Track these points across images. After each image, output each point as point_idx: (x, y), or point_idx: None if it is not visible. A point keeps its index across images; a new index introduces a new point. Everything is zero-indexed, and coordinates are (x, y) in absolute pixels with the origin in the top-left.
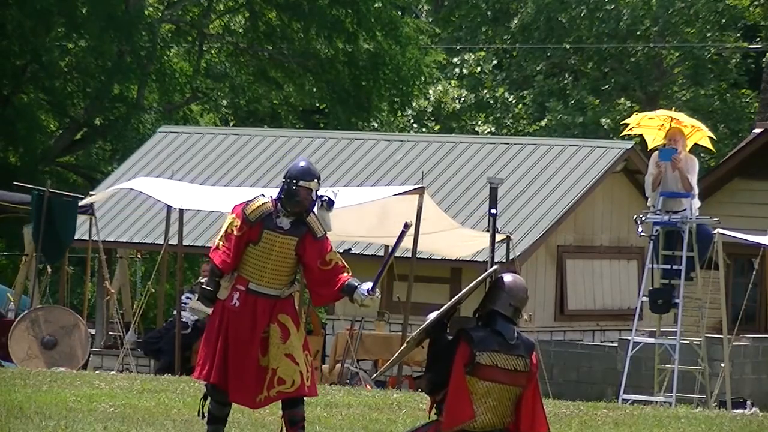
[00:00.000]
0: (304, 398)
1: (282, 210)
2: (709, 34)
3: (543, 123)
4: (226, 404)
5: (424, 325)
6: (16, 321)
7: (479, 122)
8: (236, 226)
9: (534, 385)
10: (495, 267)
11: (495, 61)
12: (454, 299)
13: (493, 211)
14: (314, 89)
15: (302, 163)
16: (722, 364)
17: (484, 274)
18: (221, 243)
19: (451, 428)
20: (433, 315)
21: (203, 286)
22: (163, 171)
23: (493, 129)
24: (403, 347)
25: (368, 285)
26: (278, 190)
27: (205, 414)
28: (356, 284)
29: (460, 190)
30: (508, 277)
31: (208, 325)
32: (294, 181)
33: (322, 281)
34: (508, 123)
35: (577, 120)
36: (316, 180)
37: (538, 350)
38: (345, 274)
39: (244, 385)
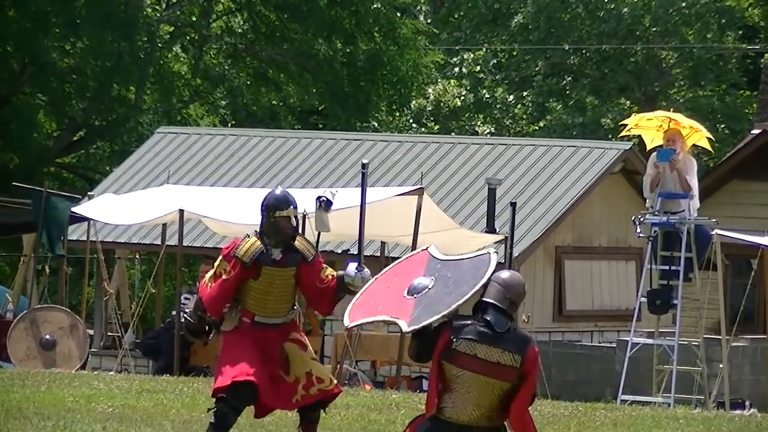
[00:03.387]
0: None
1: (269, 242)
2: (709, 35)
3: (542, 123)
4: (239, 411)
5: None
6: (14, 321)
7: (479, 122)
8: (224, 269)
9: (528, 386)
10: (491, 252)
11: (494, 61)
12: (457, 302)
13: (507, 235)
14: (313, 90)
15: (276, 192)
16: (721, 365)
17: (484, 280)
18: (210, 283)
19: (428, 413)
20: (431, 297)
21: (187, 318)
22: (161, 172)
23: (492, 129)
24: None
25: (353, 265)
26: (259, 224)
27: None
28: (342, 273)
29: (458, 190)
30: (504, 273)
31: (225, 345)
32: (271, 214)
33: (320, 296)
34: (508, 123)
35: (577, 120)
36: (291, 207)
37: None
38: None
39: (277, 391)
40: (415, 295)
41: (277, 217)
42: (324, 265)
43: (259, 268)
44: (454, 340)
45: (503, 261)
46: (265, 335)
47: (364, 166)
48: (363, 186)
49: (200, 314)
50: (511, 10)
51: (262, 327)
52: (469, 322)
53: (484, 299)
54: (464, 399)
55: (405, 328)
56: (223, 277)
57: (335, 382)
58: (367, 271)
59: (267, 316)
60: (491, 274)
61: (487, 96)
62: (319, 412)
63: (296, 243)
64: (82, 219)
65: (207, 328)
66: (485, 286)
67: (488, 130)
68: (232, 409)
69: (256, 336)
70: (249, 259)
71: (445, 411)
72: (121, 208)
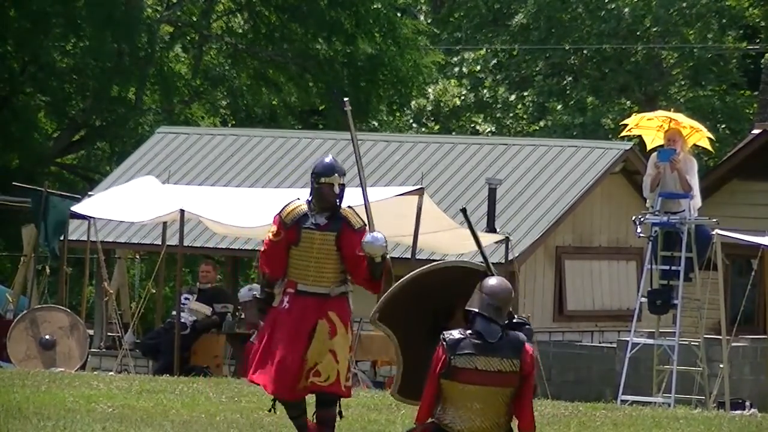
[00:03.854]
0: (339, 400)
1: (315, 208)
2: (709, 35)
3: (542, 123)
4: (293, 406)
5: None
6: (14, 321)
7: (480, 121)
8: (272, 231)
9: (529, 385)
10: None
11: (495, 61)
12: (404, 278)
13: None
14: (313, 90)
15: (325, 159)
16: (721, 365)
17: (429, 266)
18: (265, 250)
19: (418, 423)
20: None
21: (257, 297)
22: (161, 172)
23: (493, 128)
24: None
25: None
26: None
27: (273, 409)
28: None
29: (459, 190)
30: (491, 280)
31: (261, 329)
32: (317, 179)
33: (357, 265)
34: (508, 123)
35: (577, 120)
36: (336, 174)
37: (536, 349)
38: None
39: (285, 378)
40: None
41: (321, 183)
42: None
43: (299, 232)
44: (452, 357)
45: (502, 262)
46: (304, 305)
47: (344, 103)
48: (350, 126)
49: (266, 289)
50: (511, 10)
51: (303, 296)
52: (462, 336)
53: (469, 309)
54: (470, 412)
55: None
56: (271, 238)
57: (333, 380)
58: (375, 234)
59: (309, 284)
60: (441, 265)
61: (488, 96)
62: (332, 411)
63: (343, 211)
64: (82, 217)
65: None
66: (474, 294)
67: (489, 129)
68: (290, 408)
69: (295, 309)
70: (290, 220)
71: (452, 426)
72: (121, 207)
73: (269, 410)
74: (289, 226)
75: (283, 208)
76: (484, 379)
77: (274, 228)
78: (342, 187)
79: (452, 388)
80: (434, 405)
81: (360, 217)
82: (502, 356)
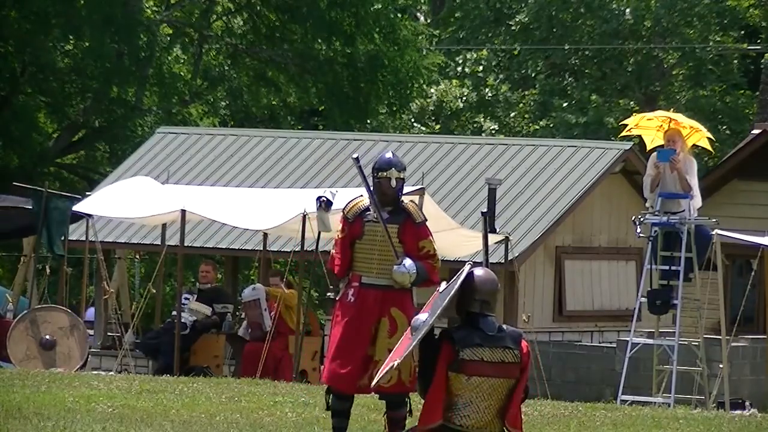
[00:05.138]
0: (407, 398)
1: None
2: (710, 36)
3: (543, 123)
4: (344, 399)
5: (415, 341)
6: (14, 321)
7: (482, 119)
8: (339, 229)
9: (524, 380)
10: (467, 264)
11: (495, 62)
12: (437, 311)
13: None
14: (313, 91)
15: (385, 155)
16: (721, 365)
17: (459, 282)
18: (333, 251)
19: (422, 428)
20: (422, 325)
21: (329, 297)
22: (161, 172)
23: (495, 127)
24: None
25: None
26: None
27: (329, 405)
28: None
29: (459, 190)
30: (477, 271)
31: (332, 321)
32: (376, 174)
33: (418, 260)
34: (510, 121)
35: (580, 120)
36: (393, 168)
37: (535, 349)
38: (428, 261)
39: (347, 371)
40: (413, 333)
41: (380, 177)
42: (430, 238)
43: (362, 226)
44: (459, 350)
45: (502, 262)
46: (368, 298)
47: (357, 159)
48: (363, 177)
49: (334, 287)
50: (512, 10)
51: (366, 288)
52: (465, 330)
53: (462, 306)
54: (475, 405)
55: (395, 365)
56: (339, 236)
57: (395, 381)
58: (402, 264)
59: (373, 277)
60: (455, 292)
61: (489, 94)
62: (401, 412)
63: (405, 205)
64: (82, 215)
65: None
66: (459, 295)
67: (492, 127)
68: (336, 396)
69: (359, 302)
70: (352, 215)
71: (454, 419)
72: (122, 206)
73: (327, 408)
74: (353, 221)
75: (346, 204)
76: (489, 371)
77: (340, 225)
78: (400, 181)
79: (458, 380)
80: (445, 401)
81: (422, 213)
82: (505, 346)
